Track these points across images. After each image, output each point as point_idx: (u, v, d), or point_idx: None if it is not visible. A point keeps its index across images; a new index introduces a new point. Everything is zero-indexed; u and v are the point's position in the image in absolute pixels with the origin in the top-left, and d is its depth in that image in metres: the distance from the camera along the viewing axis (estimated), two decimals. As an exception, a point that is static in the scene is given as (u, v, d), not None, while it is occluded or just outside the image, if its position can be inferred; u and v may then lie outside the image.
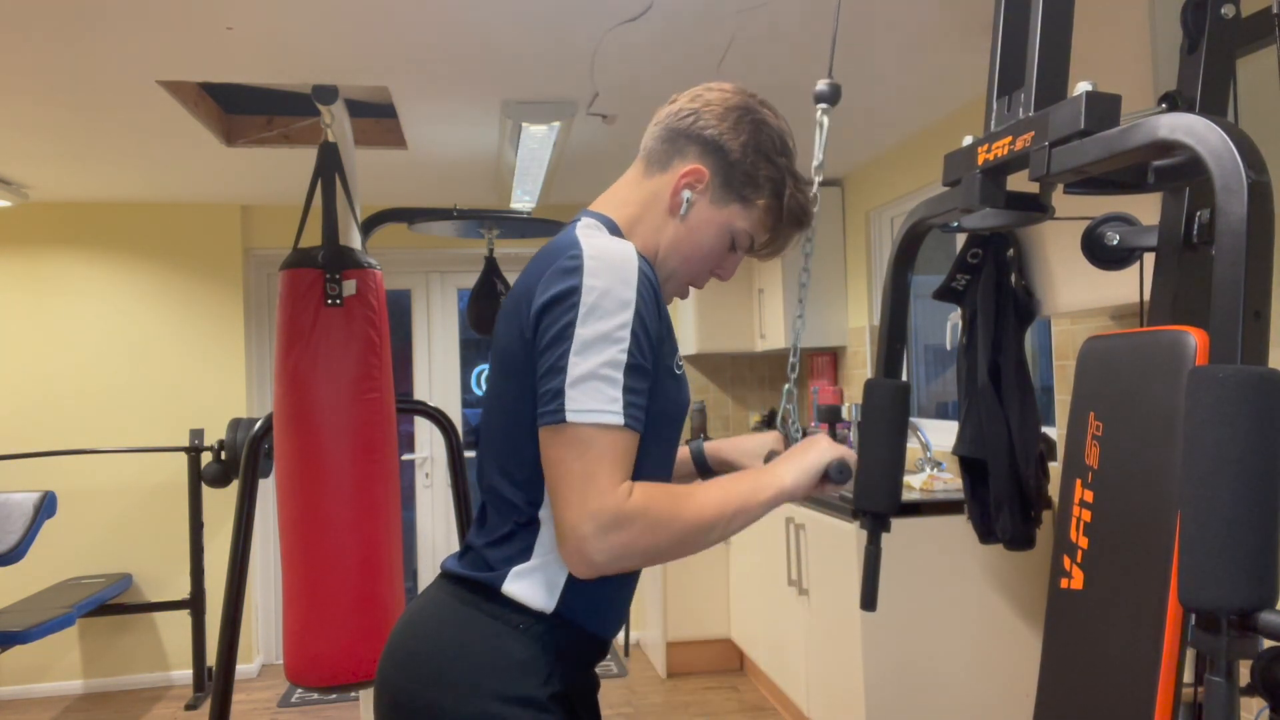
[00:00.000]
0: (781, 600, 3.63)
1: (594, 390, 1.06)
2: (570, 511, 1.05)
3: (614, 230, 1.22)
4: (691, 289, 1.31)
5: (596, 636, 1.20)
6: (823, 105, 1.47)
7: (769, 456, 1.41)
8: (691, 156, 1.24)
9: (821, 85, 1.47)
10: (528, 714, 1.11)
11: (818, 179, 1.42)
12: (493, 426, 1.20)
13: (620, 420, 1.06)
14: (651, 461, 1.19)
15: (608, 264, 1.10)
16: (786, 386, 1.45)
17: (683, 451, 1.49)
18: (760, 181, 1.24)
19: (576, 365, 1.06)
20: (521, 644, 1.14)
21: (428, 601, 1.23)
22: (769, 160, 1.24)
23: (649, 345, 1.11)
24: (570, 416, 1.05)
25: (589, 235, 1.15)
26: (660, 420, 1.17)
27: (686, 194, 1.24)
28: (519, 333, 1.14)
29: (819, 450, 1.21)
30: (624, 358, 1.07)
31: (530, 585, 1.15)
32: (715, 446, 1.49)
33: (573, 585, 1.15)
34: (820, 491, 1.23)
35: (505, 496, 1.18)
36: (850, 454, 1.22)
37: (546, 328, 1.09)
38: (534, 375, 1.12)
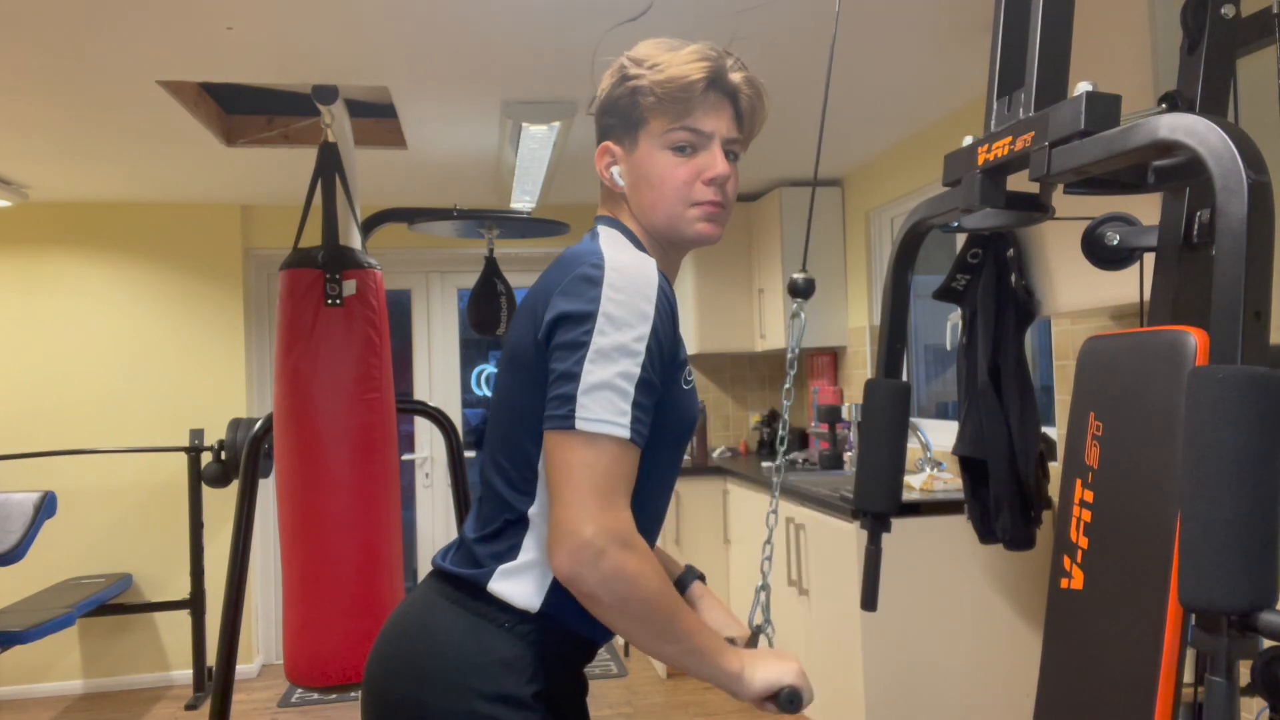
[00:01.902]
0: (781, 600, 3.63)
1: (605, 400, 1.06)
2: (572, 514, 1.05)
3: (631, 239, 1.24)
4: (711, 225, 1.24)
5: (584, 637, 1.20)
6: (798, 300, 1.42)
7: (729, 639, 1.34)
8: (599, 143, 1.28)
9: (796, 277, 1.42)
10: (510, 712, 1.11)
11: (793, 359, 1.43)
12: (498, 421, 1.21)
13: (626, 434, 1.07)
14: (658, 470, 1.20)
15: (629, 278, 1.11)
16: (759, 584, 1.37)
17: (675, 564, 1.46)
18: (635, 99, 1.22)
19: (591, 373, 1.07)
20: (506, 642, 1.14)
21: (416, 599, 1.23)
22: (626, 79, 1.22)
23: (660, 362, 1.12)
24: (580, 424, 1.05)
25: (613, 248, 1.16)
26: (670, 430, 1.18)
27: (612, 170, 1.26)
28: (531, 332, 1.15)
29: (782, 669, 1.15)
30: (638, 371, 1.08)
31: (516, 584, 1.15)
32: (697, 592, 1.43)
33: (560, 585, 1.14)
34: (760, 706, 1.17)
35: (498, 492, 1.19)
36: (808, 689, 1.16)
37: (563, 333, 1.10)
38: (541, 376, 1.12)
